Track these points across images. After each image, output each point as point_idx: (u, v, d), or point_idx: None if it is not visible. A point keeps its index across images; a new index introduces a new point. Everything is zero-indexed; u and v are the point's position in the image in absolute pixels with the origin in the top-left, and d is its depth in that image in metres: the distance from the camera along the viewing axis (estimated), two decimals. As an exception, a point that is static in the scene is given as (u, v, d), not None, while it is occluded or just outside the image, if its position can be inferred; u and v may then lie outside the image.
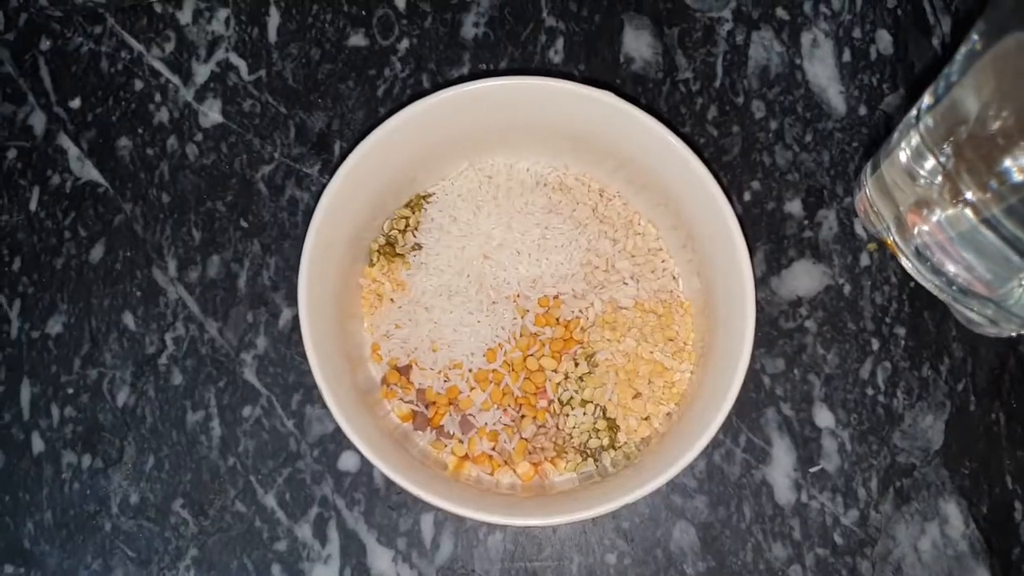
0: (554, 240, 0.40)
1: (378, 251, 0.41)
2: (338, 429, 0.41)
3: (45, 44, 0.48)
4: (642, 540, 0.41)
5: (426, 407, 0.40)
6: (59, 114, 0.47)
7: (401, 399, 0.40)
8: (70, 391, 0.44)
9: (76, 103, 0.47)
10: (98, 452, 0.43)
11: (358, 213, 0.39)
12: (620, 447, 0.39)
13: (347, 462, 0.42)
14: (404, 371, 0.40)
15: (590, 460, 0.39)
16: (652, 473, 0.34)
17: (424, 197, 0.41)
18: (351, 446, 0.41)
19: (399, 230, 0.41)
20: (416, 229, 0.41)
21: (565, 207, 0.40)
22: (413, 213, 0.41)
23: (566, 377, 0.39)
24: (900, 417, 0.42)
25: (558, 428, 0.39)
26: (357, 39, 0.47)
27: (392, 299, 0.40)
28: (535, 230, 0.40)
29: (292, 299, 0.44)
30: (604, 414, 0.39)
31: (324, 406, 0.35)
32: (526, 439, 0.39)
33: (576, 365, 0.39)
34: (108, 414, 0.44)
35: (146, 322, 0.45)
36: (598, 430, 0.39)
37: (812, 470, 0.42)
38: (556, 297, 0.40)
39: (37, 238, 0.46)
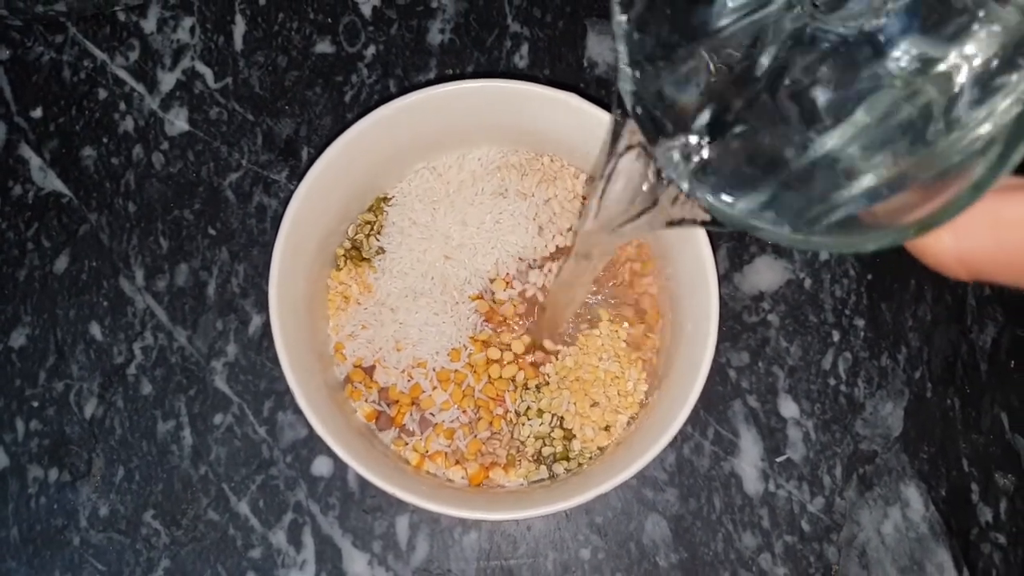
0: (506, 222, 0.40)
1: (344, 256, 0.41)
2: (310, 434, 0.41)
3: (5, 53, 0.47)
4: (615, 534, 0.42)
5: (388, 406, 0.40)
6: (20, 124, 0.46)
7: (365, 399, 0.40)
8: (35, 404, 0.43)
9: (38, 113, 0.47)
10: (65, 465, 0.43)
11: (326, 218, 0.39)
12: (574, 457, 0.39)
13: (320, 467, 0.42)
14: (368, 371, 0.40)
15: (543, 467, 0.39)
16: (625, 463, 0.34)
17: (384, 200, 0.42)
18: (324, 451, 0.42)
19: (364, 235, 0.41)
20: (379, 233, 0.41)
21: (512, 182, 0.41)
22: (376, 217, 0.41)
23: (525, 387, 0.39)
24: (861, 405, 0.43)
25: (512, 436, 0.39)
26: (324, 46, 0.47)
27: (359, 301, 0.41)
28: (487, 219, 0.40)
29: (262, 306, 0.44)
30: (561, 424, 0.39)
31: (296, 411, 0.35)
32: (480, 440, 0.39)
33: (536, 370, 0.40)
34: (75, 426, 0.43)
35: (113, 332, 0.44)
36: (553, 439, 0.39)
37: (779, 460, 0.43)
38: (513, 273, 0.41)
39: (-1, 250, 0.45)
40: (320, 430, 0.34)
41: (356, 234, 0.41)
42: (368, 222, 0.41)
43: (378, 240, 0.41)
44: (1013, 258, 0.16)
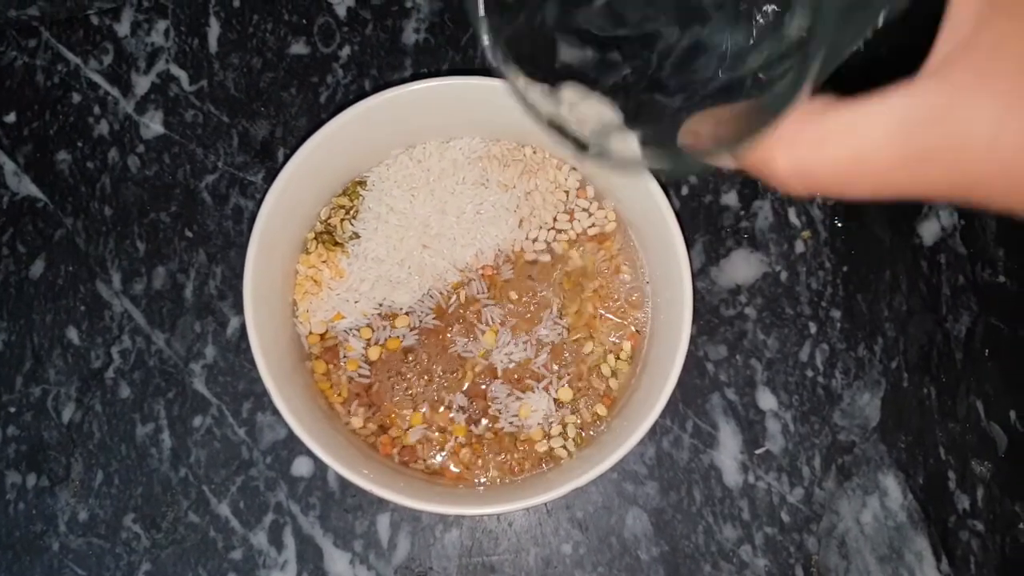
0: (487, 213, 0.40)
1: (315, 239, 0.41)
2: (290, 435, 0.41)
3: (-23, 59, 0.47)
4: (596, 529, 0.42)
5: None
6: (-6, 129, 0.46)
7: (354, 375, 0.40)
8: (12, 410, 0.43)
9: (11, 118, 0.46)
10: (43, 470, 0.42)
11: (300, 214, 0.39)
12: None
13: (300, 467, 0.42)
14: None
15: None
16: (602, 456, 0.34)
17: (360, 184, 0.42)
18: (304, 451, 0.42)
19: (338, 219, 0.41)
20: (354, 218, 0.41)
21: (494, 172, 0.41)
22: (352, 201, 0.41)
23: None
24: (839, 396, 0.44)
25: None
26: (298, 47, 0.47)
27: (330, 287, 0.40)
28: (468, 209, 0.40)
29: (239, 307, 0.44)
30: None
31: (275, 412, 0.35)
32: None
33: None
34: (53, 431, 0.43)
35: (91, 336, 0.44)
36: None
37: (758, 452, 0.43)
38: (494, 266, 0.41)
39: (-26, 255, 0.45)
40: (301, 433, 0.34)
41: (330, 217, 0.41)
42: (342, 206, 0.41)
43: (353, 225, 0.41)
44: (841, 169, 0.18)
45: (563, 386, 0.39)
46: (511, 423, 0.39)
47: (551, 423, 0.39)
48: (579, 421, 0.39)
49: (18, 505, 0.42)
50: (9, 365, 0.44)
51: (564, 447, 0.39)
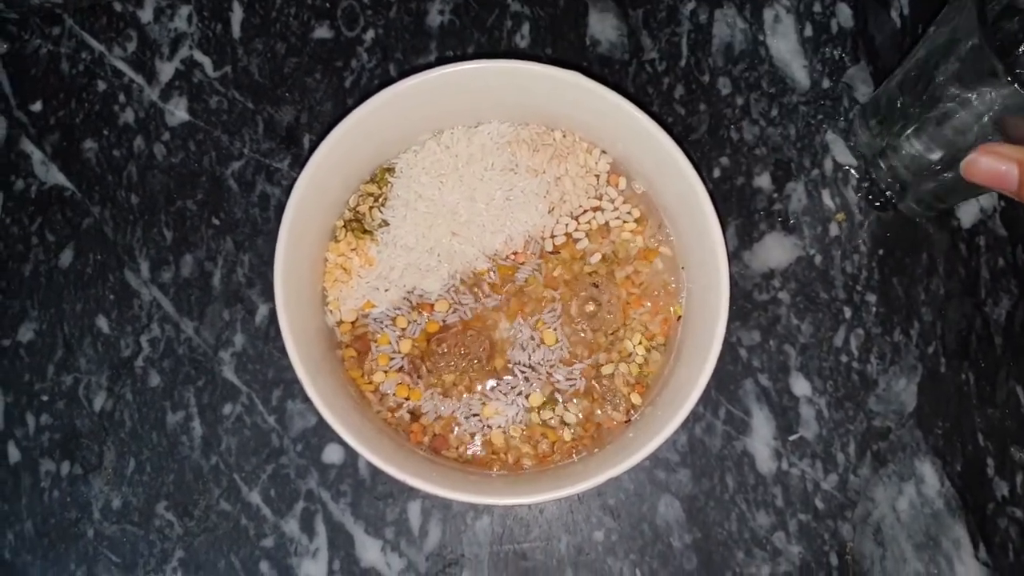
0: (516, 199, 0.40)
1: (344, 227, 0.41)
2: (320, 422, 0.41)
3: (2, 47, 0.47)
4: (628, 516, 0.42)
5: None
6: (20, 118, 0.46)
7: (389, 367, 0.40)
8: (45, 398, 0.43)
9: (37, 106, 0.46)
10: (77, 458, 0.43)
11: (328, 202, 0.39)
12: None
13: (331, 455, 0.42)
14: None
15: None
16: (637, 445, 0.34)
17: (389, 171, 0.41)
18: (334, 439, 0.42)
19: (367, 207, 0.41)
20: (383, 205, 0.41)
21: (523, 158, 0.40)
22: (380, 189, 0.41)
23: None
24: (874, 382, 0.43)
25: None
26: (322, 31, 0.47)
27: (360, 274, 0.40)
28: (497, 195, 0.40)
29: (268, 295, 0.44)
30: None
31: (305, 400, 0.35)
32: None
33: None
34: (85, 420, 0.43)
35: (120, 325, 0.44)
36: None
37: (791, 438, 0.42)
38: (519, 254, 0.40)
39: (3, 245, 0.45)
40: (331, 420, 0.34)
41: (358, 205, 0.41)
42: (371, 193, 0.41)
43: (381, 212, 0.40)
44: None
45: (534, 391, 0.39)
46: (469, 420, 0.39)
47: (518, 424, 0.39)
48: (584, 410, 0.39)
49: (52, 493, 0.42)
50: (41, 354, 0.44)
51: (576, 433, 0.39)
